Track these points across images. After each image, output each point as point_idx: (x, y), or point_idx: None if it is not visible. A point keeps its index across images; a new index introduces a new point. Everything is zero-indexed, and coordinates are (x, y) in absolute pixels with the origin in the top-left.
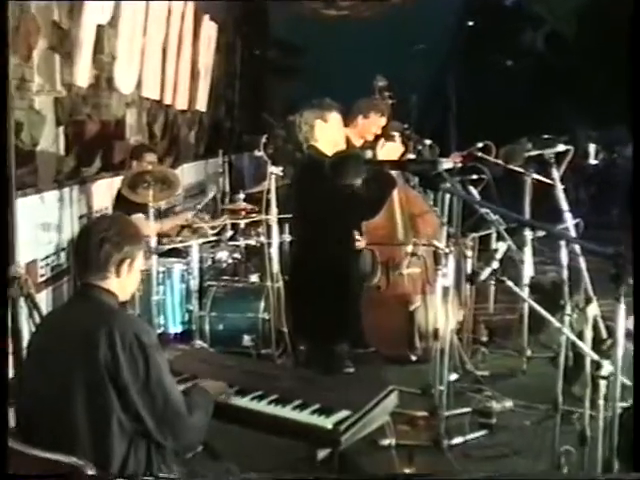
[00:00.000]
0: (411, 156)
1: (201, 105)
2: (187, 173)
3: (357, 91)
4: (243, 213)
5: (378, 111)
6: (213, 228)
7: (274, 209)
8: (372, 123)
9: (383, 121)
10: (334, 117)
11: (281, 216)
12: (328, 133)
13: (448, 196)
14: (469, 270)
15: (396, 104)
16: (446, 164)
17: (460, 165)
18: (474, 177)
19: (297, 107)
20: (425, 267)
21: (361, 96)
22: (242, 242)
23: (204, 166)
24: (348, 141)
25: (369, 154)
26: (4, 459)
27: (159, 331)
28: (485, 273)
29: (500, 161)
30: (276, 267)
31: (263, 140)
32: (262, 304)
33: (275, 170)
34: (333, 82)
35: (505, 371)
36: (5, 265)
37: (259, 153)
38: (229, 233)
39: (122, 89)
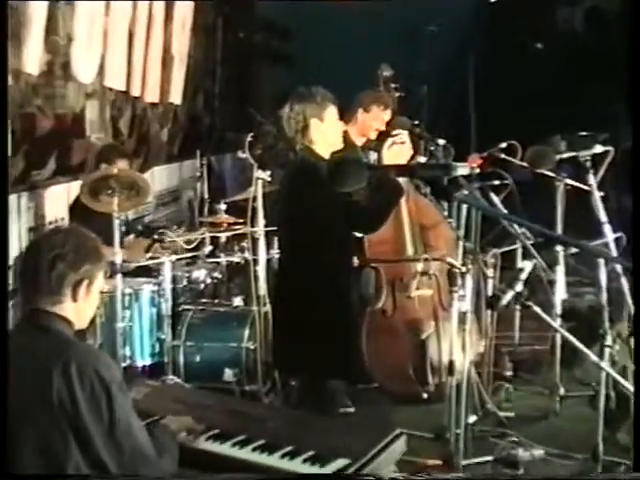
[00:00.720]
0: (421, 159)
1: (175, 97)
2: (158, 177)
3: (358, 82)
4: (224, 225)
5: (381, 103)
6: (189, 242)
7: (261, 220)
8: (374, 117)
9: (387, 115)
10: (330, 113)
11: (269, 228)
12: (324, 133)
13: (465, 205)
14: (489, 293)
15: (404, 97)
16: (462, 169)
17: (479, 169)
18: (496, 183)
19: (286, 99)
20: (438, 288)
21: (363, 88)
22: (223, 259)
23: (179, 169)
24: (347, 139)
25: (373, 156)
26: (4, 459)
27: (124, 365)
28: (507, 297)
29: (527, 164)
30: (263, 288)
31: (248, 139)
32: (247, 332)
33: (262, 174)
34: (330, 72)
35: (534, 412)
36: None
37: (243, 155)
38: (208, 248)
39: (81, 77)
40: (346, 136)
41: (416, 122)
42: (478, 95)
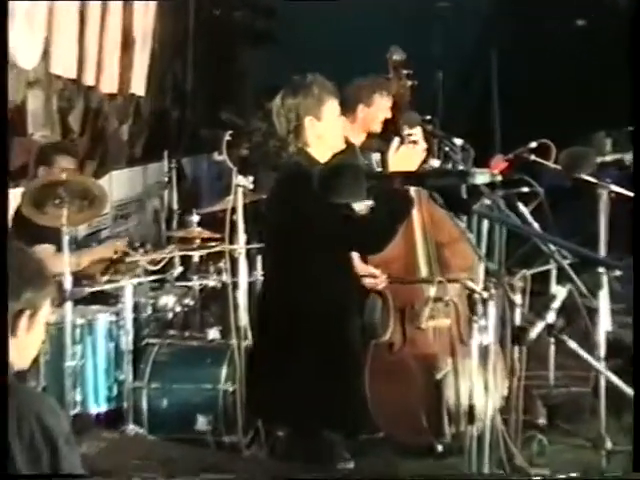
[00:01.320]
0: (435, 162)
1: (137, 88)
2: (118, 184)
3: (361, 69)
4: (198, 241)
5: (382, 89)
6: (155, 263)
7: (242, 236)
8: (377, 109)
9: (390, 101)
10: (330, 109)
11: (252, 246)
12: (323, 133)
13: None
14: (517, 323)
15: (417, 87)
16: (482, 176)
17: (504, 175)
18: (525, 190)
19: (277, 90)
20: (456, 318)
21: (367, 76)
22: (196, 282)
23: (142, 174)
24: (346, 139)
25: (375, 157)
26: (4, 459)
27: (74, 412)
28: (537, 329)
29: (562, 168)
30: (244, 318)
31: (226, 137)
32: (224, 370)
33: (243, 181)
34: (328, 57)
35: (574, 469)
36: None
37: (220, 157)
38: (177, 270)
39: (21, 63)
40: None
41: (428, 117)
42: (505, 84)
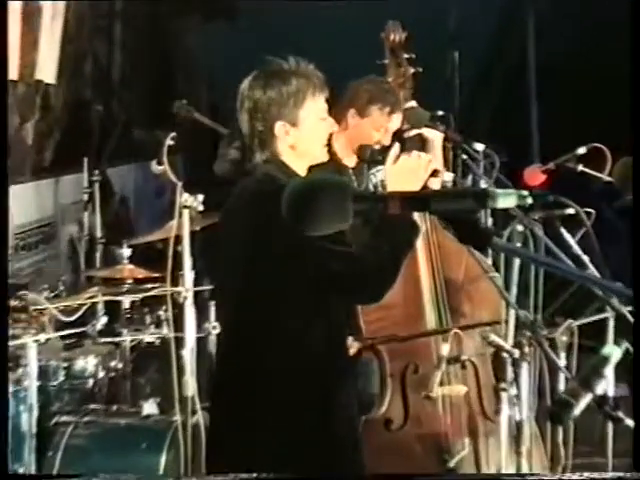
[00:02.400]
0: (447, 176)
1: (45, 73)
2: (19, 203)
3: (349, 52)
4: (129, 283)
5: (385, 103)
6: (70, 312)
7: (189, 275)
8: (373, 125)
9: (394, 122)
10: (312, 110)
11: (203, 288)
12: (302, 139)
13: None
14: (561, 392)
15: (421, 73)
16: (506, 198)
17: (541, 188)
18: (570, 212)
19: (240, 78)
20: (477, 384)
21: (357, 62)
22: (126, 338)
23: (53, 189)
24: (332, 155)
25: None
26: (4, 459)
27: None
28: (584, 402)
29: (616, 181)
30: (192, 386)
31: (168, 141)
32: (163, 458)
33: (191, 200)
34: (308, 35)
35: None
36: None
37: (160, 167)
38: (101, 321)
39: None
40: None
41: (439, 113)
42: (542, 68)
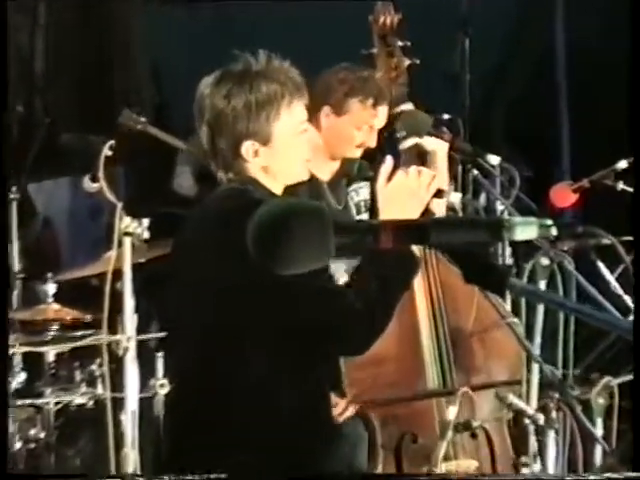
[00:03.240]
0: (454, 197)
1: None
2: None
3: (330, 39)
4: (55, 328)
5: (367, 94)
6: None
7: (130, 319)
8: (353, 122)
9: (379, 115)
10: (288, 123)
11: (148, 336)
12: (271, 164)
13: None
14: (598, 466)
15: (419, 66)
16: (524, 230)
17: (573, 209)
18: (606, 242)
19: (198, 75)
20: (490, 457)
21: (338, 51)
22: (51, 399)
23: None
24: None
25: (360, 192)
26: (4, 459)
27: None
28: None
29: None
30: (133, 461)
31: (106, 151)
32: None
33: (133, 226)
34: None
35: None
36: None
37: (93, 185)
38: (19, 378)
39: None
40: None
41: (445, 117)
42: (573, 64)
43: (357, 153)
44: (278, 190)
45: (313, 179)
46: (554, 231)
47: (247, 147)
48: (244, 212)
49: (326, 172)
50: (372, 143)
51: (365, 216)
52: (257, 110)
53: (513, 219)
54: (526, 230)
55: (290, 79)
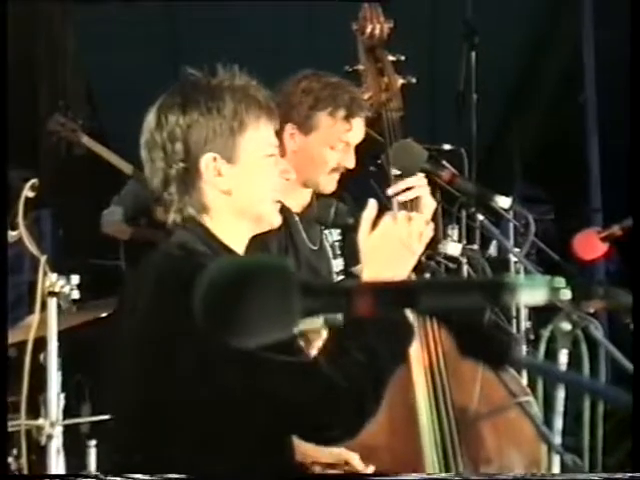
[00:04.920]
0: (452, 248)
1: None
2: None
3: (308, 53)
4: None
5: (337, 105)
6: None
7: (54, 400)
8: (324, 141)
9: (356, 130)
10: (259, 139)
11: (77, 420)
12: (236, 187)
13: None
14: None
15: (415, 85)
16: (531, 291)
17: (605, 260)
18: None
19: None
20: None
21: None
22: None
23: None
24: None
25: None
26: (4, 459)
27: None
28: None
29: None
30: None
31: (27, 191)
32: None
33: (60, 283)
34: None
35: None
36: None
37: (12, 233)
38: None
39: None
40: None
41: (446, 148)
42: (605, 82)
43: (332, 180)
44: (239, 243)
45: (285, 211)
46: (568, 294)
47: (207, 161)
48: (190, 273)
49: (296, 202)
50: (350, 164)
51: (340, 261)
52: (220, 121)
53: (516, 279)
54: (533, 293)
55: (257, 96)
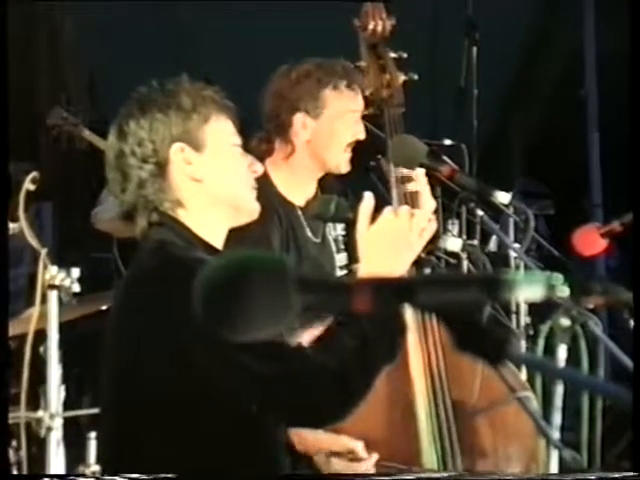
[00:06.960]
0: (452, 243)
1: None
2: None
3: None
4: None
5: (341, 78)
6: None
7: (55, 393)
8: (341, 119)
9: (359, 100)
10: (223, 129)
11: (77, 412)
12: (206, 176)
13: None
14: None
15: (417, 82)
16: (528, 287)
17: (605, 256)
18: None
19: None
20: None
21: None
22: None
23: None
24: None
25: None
26: (4, 458)
27: None
28: None
29: None
30: None
31: (27, 184)
32: None
33: (60, 277)
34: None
35: None
36: None
37: (12, 225)
38: None
39: None
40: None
41: (447, 143)
42: (606, 78)
43: (347, 159)
44: (217, 236)
45: (288, 205)
46: (566, 290)
47: (176, 151)
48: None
49: (301, 196)
50: (362, 135)
51: (344, 256)
52: (181, 113)
53: (513, 275)
54: (530, 289)
55: (212, 96)
